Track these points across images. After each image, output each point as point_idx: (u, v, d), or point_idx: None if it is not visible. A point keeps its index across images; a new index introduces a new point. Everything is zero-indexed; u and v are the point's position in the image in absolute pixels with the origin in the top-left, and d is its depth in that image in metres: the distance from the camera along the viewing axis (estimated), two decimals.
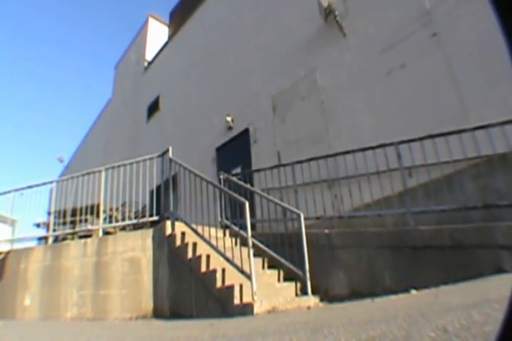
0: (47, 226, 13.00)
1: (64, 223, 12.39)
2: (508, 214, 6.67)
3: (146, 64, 26.10)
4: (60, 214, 12.28)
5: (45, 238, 12.22)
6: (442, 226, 7.18)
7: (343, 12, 12.05)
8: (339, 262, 8.22)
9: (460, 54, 9.21)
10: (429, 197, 8.13)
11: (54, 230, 12.24)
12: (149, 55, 26.06)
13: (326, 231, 8.84)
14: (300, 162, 10.43)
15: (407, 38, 10.26)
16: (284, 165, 10.81)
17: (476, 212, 7.42)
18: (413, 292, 6.13)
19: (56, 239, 12.70)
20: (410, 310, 3.44)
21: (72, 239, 11.62)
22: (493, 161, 7.43)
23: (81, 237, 11.32)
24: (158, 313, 8.56)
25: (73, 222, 12.33)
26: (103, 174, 11.00)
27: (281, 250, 8.42)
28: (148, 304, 8.79)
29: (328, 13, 12.16)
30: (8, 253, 11.18)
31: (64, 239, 12.29)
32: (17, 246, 11.84)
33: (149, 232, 9.50)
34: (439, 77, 9.48)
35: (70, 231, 12.00)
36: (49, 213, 12.86)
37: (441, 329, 1.99)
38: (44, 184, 11.92)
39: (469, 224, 6.90)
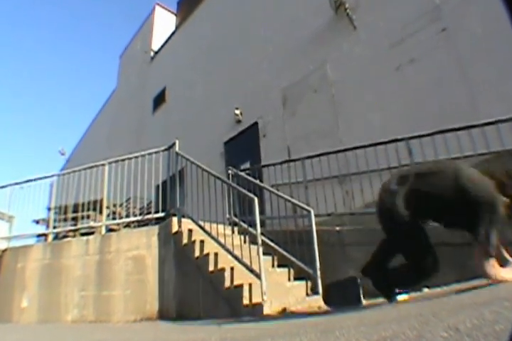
0: (47, 222, 12.81)
1: (65, 219, 12.34)
2: None
3: (152, 54, 26.15)
4: (61, 210, 12.26)
5: (45, 235, 12.08)
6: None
7: (353, 5, 12.22)
8: (350, 260, 8.26)
9: (469, 49, 9.39)
10: None
11: (54, 227, 12.21)
12: (156, 45, 26.11)
13: (337, 228, 8.91)
14: (310, 157, 10.49)
15: (416, 32, 10.40)
16: (294, 161, 10.88)
17: None
18: (425, 290, 6.21)
19: (56, 237, 12.54)
20: (422, 309, 3.51)
21: (74, 236, 11.65)
22: (503, 157, 7.50)
23: (83, 234, 11.29)
24: (163, 315, 8.49)
25: (75, 219, 12.29)
26: (106, 168, 10.94)
27: (291, 248, 8.48)
28: (153, 305, 8.72)
29: (338, 5, 12.39)
30: (4, 251, 11.08)
31: (65, 236, 12.23)
32: (14, 243, 11.76)
33: (155, 229, 9.45)
34: (448, 72, 9.63)
35: (72, 228, 12.02)
36: (49, 209, 12.75)
37: (453, 328, 2.06)
38: (44, 178, 11.88)
39: None
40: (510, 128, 7.45)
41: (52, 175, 12.32)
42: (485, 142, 7.77)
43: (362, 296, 5.71)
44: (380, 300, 5.92)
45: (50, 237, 11.90)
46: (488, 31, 8.91)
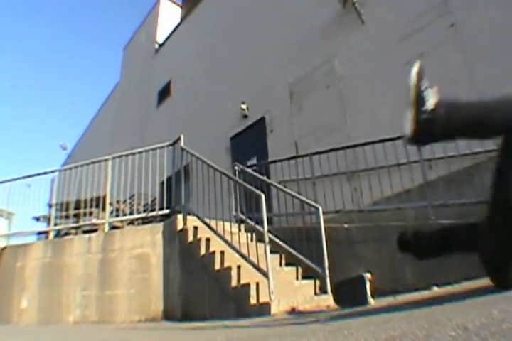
0: (47, 219, 12.84)
1: (66, 216, 12.34)
2: None
3: (156, 46, 26.27)
4: (63, 207, 12.22)
5: (46, 233, 12.06)
6: (462, 220, 7.35)
7: None
8: (359, 258, 8.36)
9: (477, 46, 9.47)
10: (449, 190, 8.29)
11: (55, 224, 12.08)
12: (160, 37, 26.25)
13: (346, 225, 8.97)
14: (318, 153, 10.58)
15: (425, 27, 10.50)
16: (302, 156, 10.95)
17: None
18: (435, 289, 6.27)
19: (58, 234, 12.49)
20: (432, 307, 3.56)
21: (76, 234, 11.60)
22: None
23: (85, 232, 11.23)
24: (168, 315, 8.50)
25: (77, 216, 12.31)
26: (110, 163, 10.96)
27: (299, 246, 8.54)
28: (158, 305, 8.71)
29: None
30: (3, 249, 11.01)
31: (66, 233, 12.29)
32: (14, 241, 11.74)
33: (159, 227, 9.43)
34: (456, 68, 9.68)
35: (73, 225, 11.98)
36: (50, 205, 12.68)
37: (461, 327, 2.10)
38: (45, 173, 11.81)
39: None
40: None
41: (53, 171, 12.18)
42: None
43: (370, 295, 5.76)
44: (389, 298, 5.98)
45: (51, 235, 11.77)
46: (495, 29, 8.99)
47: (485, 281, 4.53)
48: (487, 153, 8.10)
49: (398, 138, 9.05)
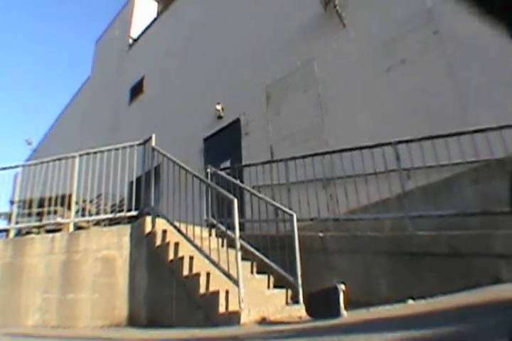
0: (8, 217, 12.55)
1: (29, 214, 12.12)
2: (506, 222, 6.86)
3: (131, 41, 26.11)
4: (25, 204, 12.08)
5: (6, 231, 11.88)
6: (440, 232, 7.43)
7: (342, 1, 12.38)
8: (333, 268, 8.37)
9: (460, 55, 9.64)
10: (427, 201, 8.36)
11: (17, 222, 11.89)
12: (135, 32, 26.06)
13: (320, 234, 8.98)
14: (294, 158, 10.58)
15: (407, 33, 10.70)
16: (277, 161, 10.96)
17: (474, 218, 7.68)
18: (410, 302, 6.30)
19: (19, 233, 12.45)
20: (406, 321, 3.58)
21: (38, 233, 11.42)
22: (491, 166, 7.67)
23: (48, 231, 11.10)
24: (133, 321, 8.42)
25: (40, 214, 12.06)
26: (77, 161, 10.81)
27: (271, 254, 8.51)
28: (122, 310, 8.62)
29: (327, 1, 12.62)
30: None
31: (28, 232, 12.07)
32: None
33: (127, 229, 9.37)
34: (439, 76, 9.85)
35: (36, 224, 11.74)
36: (12, 202, 12.56)
37: None
38: (8, 168, 11.65)
39: (467, 231, 7.17)
40: (500, 136, 7.63)
41: (16, 166, 12.01)
42: (474, 150, 7.91)
43: (343, 307, 5.76)
44: (363, 311, 5.99)
45: (12, 233, 11.69)
46: (479, 37, 9.08)
47: (458, 296, 4.58)
48: (467, 165, 8.21)
49: (376, 145, 9.14)
